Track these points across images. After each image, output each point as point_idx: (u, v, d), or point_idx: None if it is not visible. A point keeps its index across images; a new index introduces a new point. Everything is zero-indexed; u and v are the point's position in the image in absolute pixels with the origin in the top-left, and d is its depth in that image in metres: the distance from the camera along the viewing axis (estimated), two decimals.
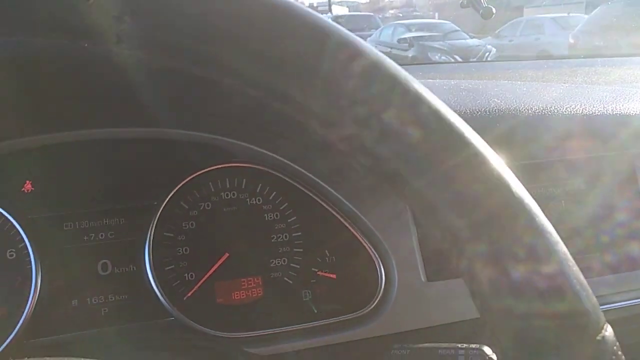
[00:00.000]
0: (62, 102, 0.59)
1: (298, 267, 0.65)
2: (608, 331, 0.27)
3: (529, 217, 0.27)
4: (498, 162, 0.27)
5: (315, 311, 0.63)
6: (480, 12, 1.15)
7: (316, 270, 0.65)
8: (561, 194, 0.71)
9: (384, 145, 0.26)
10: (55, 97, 0.58)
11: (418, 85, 0.27)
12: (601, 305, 0.70)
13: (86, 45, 0.26)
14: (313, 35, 0.26)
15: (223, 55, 0.26)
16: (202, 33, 0.25)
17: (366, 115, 0.26)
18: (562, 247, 0.27)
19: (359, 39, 0.27)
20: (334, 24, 0.27)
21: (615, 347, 0.27)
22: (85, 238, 0.61)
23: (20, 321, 0.56)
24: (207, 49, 0.26)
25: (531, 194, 0.74)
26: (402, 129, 0.26)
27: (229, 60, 0.26)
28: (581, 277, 0.27)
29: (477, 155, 0.27)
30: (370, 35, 11.45)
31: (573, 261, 0.27)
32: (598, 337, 0.26)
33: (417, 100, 0.26)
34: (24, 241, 0.58)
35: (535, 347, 0.26)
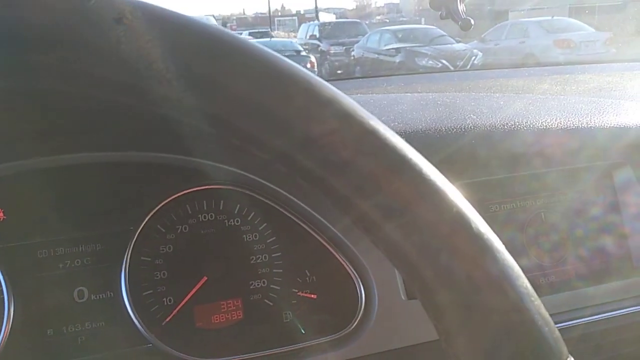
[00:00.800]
0: (34, 128, 0.58)
1: (278, 288, 0.64)
2: None
3: (489, 251, 0.26)
4: (452, 191, 0.27)
5: (303, 332, 0.63)
6: (459, 23, 1.16)
7: (296, 290, 0.64)
8: (541, 206, 0.71)
9: (330, 174, 0.26)
10: (26, 124, 0.57)
11: (357, 109, 0.26)
12: (583, 317, 0.70)
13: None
14: (260, 69, 0.26)
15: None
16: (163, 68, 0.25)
17: (309, 139, 0.25)
18: (523, 282, 0.27)
19: (306, 72, 0.26)
20: (283, 58, 0.27)
21: None
22: (61, 265, 0.60)
23: None
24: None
25: (510, 207, 0.74)
26: (349, 159, 0.26)
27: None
28: (543, 310, 0.27)
29: (426, 184, 0.26)
30: (357, 42, 11.51)
31: (535, 295, 0.27)
32: None
33: (363, 131, 0.26)
34: None
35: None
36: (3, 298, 0.56)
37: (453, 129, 0.66)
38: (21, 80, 0.26)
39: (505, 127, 0.67)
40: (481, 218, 0.27)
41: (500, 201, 0.70)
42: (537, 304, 0.27)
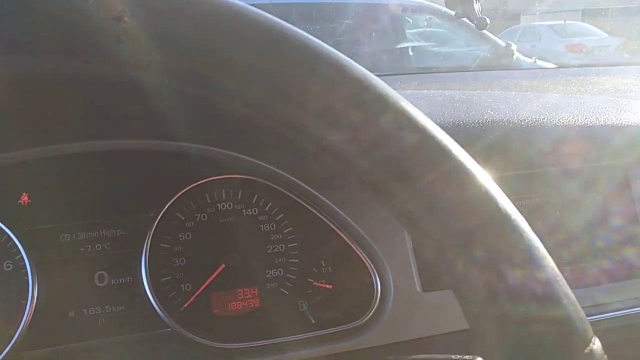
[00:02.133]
0: (59, 114, 0.59)
1: (294, 277, 0.65)
2: (596, 344, 0.27)
3: (515, 233, 0.27)
4: (481, 174, 0.28)
5: (313, 321, 0.64)
6: (475, 22, 1.16)
7: (312, 280, 0.65)
8: (555, 204, 0.71)
9: (368, 158, 0.27)
10: (51, 109, 0.58)
11: (401, 100, 0.27)
12: (597, 314, 0.70)
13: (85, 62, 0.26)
14: (300, 55, 0.26)
15: (210, 73, 0.26)
16: (191, 51, 0.26)
17: (352, 129, 0.26)
18: (549, 262, 0.27)
19: (340, 55, 0.27)
20: (320, 42, 0.27)
21: None
22: (82, 249, 0.61)
23: (17, 333, 0.57)
24: (195, 67, 0.26)
25: (525, 204, 0.75)
26: (386, 142, 0.26)
27: (213, 77, 0.26)
28: (568, 290, 0.27)
29: (459, 168, 0.27)
30: None
31: (560, 275, 0.27)
32: (586, 350, 0.27)
33: (400, 114, 0.27)
34: (20, 253, 0.58)
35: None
36: (27, 280, 0.58)
37: (470, 125, 0.66)
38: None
39: (523, 123, 0.67)
40: (512, 205, 0.28)
41: (515, 198, 0.70)
42: (562, 284, 0.27)
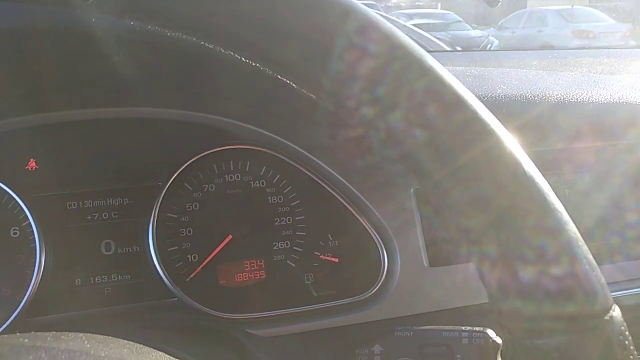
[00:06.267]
0: (66, 80, 0.58)
1: (300, 250, 0.65)
2: (616, 311, 0.27)
3: (539, 195, 0.27)
4: (520, 153, 0.27)
5: (315, 295, 0.64)
6: (487, 0, 1.15)
7: (319, 253, 0.65)
8: (568, 182, 0.70)
9: (411, 139, 0.26)
10: (59, 75, 0.57)
11: (445, 73, 0.26)
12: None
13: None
14: (331, 15, 0.25)
15: (233, 26, 0.25)
16: (215, 9, 0.25)
17: (385, 101, 0.26)
18: (571, 227, 0.27)
19: (381, 20, 0.26)
20: (358, 3, 0.26)
21: (622, 327, 0.27)
22: (89, 217, 0.61)
23: (24, 299, 0.57)
24: (217, 23, 0.25)
25: None
26: (423, 118, 0.26)
27: (241, 31, 0.26)
28: (590, 257, 0.27)
29: (500, 145, 0.27)
30: None
31: (582, 241, 0.27)
32: (606, 317, 0.26)
33: (440, 87, 0.26)
34: (27, 219, 0.58)
35: (544, 326, 0.26)
36: (35, 246, 0.57)
37: (483, 99, 0.65)
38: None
39: (536, 98, 0.66)
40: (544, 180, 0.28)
41: None
42: (584, 250, 0.27)
